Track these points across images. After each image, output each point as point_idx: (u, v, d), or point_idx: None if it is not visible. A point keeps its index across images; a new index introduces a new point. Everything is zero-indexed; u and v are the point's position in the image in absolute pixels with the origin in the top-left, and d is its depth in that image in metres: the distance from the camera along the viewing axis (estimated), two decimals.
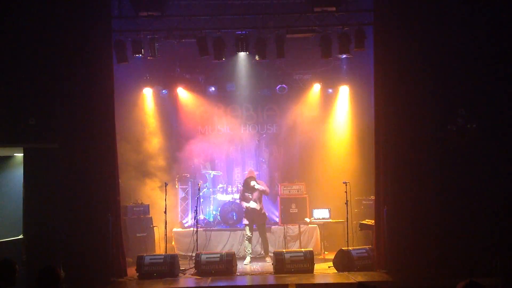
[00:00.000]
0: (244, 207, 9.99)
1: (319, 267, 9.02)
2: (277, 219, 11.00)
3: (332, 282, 8.16)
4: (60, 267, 4.59)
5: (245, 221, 10.04)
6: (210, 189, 11.53)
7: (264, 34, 9.73)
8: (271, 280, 8.33)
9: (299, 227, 10.55)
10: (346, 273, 8.52)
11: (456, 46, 8.70)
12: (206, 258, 8.72)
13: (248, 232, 9.88)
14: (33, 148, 8.44)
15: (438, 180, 8.59)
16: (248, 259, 9.78)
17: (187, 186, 11.65)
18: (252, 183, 9.83)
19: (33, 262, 7.97)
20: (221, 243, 10.51)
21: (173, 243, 10.53)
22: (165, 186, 9.43)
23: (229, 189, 11.34)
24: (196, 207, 9.59)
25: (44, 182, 8.44)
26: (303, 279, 8.14)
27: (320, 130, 12.01)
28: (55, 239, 8.22)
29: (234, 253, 9.04)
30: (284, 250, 9.33)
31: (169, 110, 12.09)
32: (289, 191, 10.97)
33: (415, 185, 8.60)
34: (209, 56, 9.77)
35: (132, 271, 8.80)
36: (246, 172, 10.68)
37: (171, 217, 10.28)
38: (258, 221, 9.92)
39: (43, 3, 8.59)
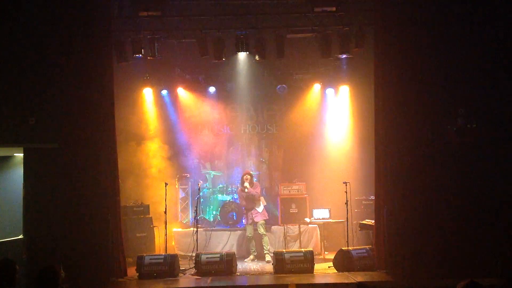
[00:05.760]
0: (243, 206, 10.06)
1: (319, 267, 9.02)
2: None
3: (332, 282, 8.16)
4: (60, 267, 4.57)
5: (245, 221, 10.17)
6: (210, 189, 11.53)
7: (264, 34, 9.73)
8: (271, 280, 8.33)
9: (299, 227, 10.55)
10: (346, 273, 8.52)
11: (456, 46, 8.69)
12: (206, 258, 8.73)
13: (248, 233, 10.02)
14: (33, 148, 8.44)
15: (438, 180, 8.59)
16: (251, 257, 9.91)
17: (187, 186, 11.66)
18: (246, 184, 9.86)
19: (33, 262, 7.97)
20: (221, 243, 10.51)
21: (173, 243, 10.52)
22: (165, 186, 9.43)
23: (229, 189, 11.33)
24: (196, 207, 9.60)
25: (44, 182, 8.44)
26: (303, 279, 8.14)
27: (320, 130, 12.00)
28: (55, 239, 8.21)
29: (234, 253, 9.05)
30: (284, 250, 9.33)
31: (169, 110, 12.08)
32: (289, 191, 10.96)
33: (415, 185, 8.59)
34: (209, 56, 9.77)
35: (132, 271, 8.80)
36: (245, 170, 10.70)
37: (171, 217, 10.28)
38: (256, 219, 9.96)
39: (43, 3, 8.59)
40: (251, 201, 9.93)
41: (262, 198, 10.21)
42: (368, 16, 9.37)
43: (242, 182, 10.01)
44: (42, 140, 8.40)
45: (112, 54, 9.08)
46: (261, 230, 9.91)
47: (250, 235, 10.02)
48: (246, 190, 9.85)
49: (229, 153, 12.29)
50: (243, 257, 10.05)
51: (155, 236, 10.59)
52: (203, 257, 8.73)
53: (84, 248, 8.29)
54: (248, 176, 10.00)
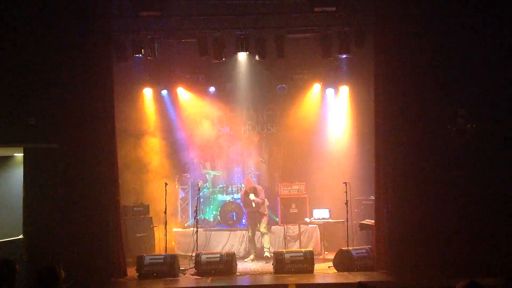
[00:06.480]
0: (245, 210, 10.23)
1: (319, 267, 9.02)
2: (277, 219, 11.00)
3: (332, 282, 8.17)
4: (60, 267, 4.57)
5: (246, 221, 10.30)
6: (210, 189, 11.53)
7: (264, 34, 9.72)
8: (271, 280, 8.34)
9: (299, 227, 10.55)
10: (346, 273, 8.53)
11: (456, 46, 8.70)
12: (206, 258, 8.73)
13: (249, 233, 10.09)
14: (33, 148, 8.43)
15: (438, 180, 8.60)
16: (251, 257, 9.96)
17: (187, 186, 11.66)
18: (251, 196, 9.91)
19: (33, 262, 7.96)
20: (221, 243, 10.51)
21: (173, 243, 10.52)
22: (165, 186, 9.43)
23: (229, 189, 11.33)
24: (196, 207, 9.60)
25: (44, 182, 8.43)
26: (303, 279, 8.15)
27: (320, 130, 12.00)
28: (55, 239, 8.21)
29: (234, 253, 9.06)
30: (284, 250, 9.33)
31: (169, 110, 12.07)
32: (289, 191, 10.98)
33: (415, 185, 8.60)
34: (209, 56, 9.77)
35: (132, 271, 8.79)
36: (246, 178, 10.70)
37: (171, 217, 10.28)
38: (257, 220, 10.03)
39: (43, 3, 8.59)
40: (257, 206, 9.99)
41: (265, 200, 10.24)
42: (368, 16, 9.36)
43: (247, 194, 10.02)
44: (42, 140, 8.40)
45: (112, 54, 9.08)
46: (263, 228, 9.94)
47: (250, 235, 10.02)
48: (253, 204, 9.91)
49: (229, 153, 12.29)
50: (243, 257, 10.07)
51: (155, 236, 10.60)
52: (203, 257, 8.73)
53: (84, 248, 8.30)
54: (252, 188, 10.03)
